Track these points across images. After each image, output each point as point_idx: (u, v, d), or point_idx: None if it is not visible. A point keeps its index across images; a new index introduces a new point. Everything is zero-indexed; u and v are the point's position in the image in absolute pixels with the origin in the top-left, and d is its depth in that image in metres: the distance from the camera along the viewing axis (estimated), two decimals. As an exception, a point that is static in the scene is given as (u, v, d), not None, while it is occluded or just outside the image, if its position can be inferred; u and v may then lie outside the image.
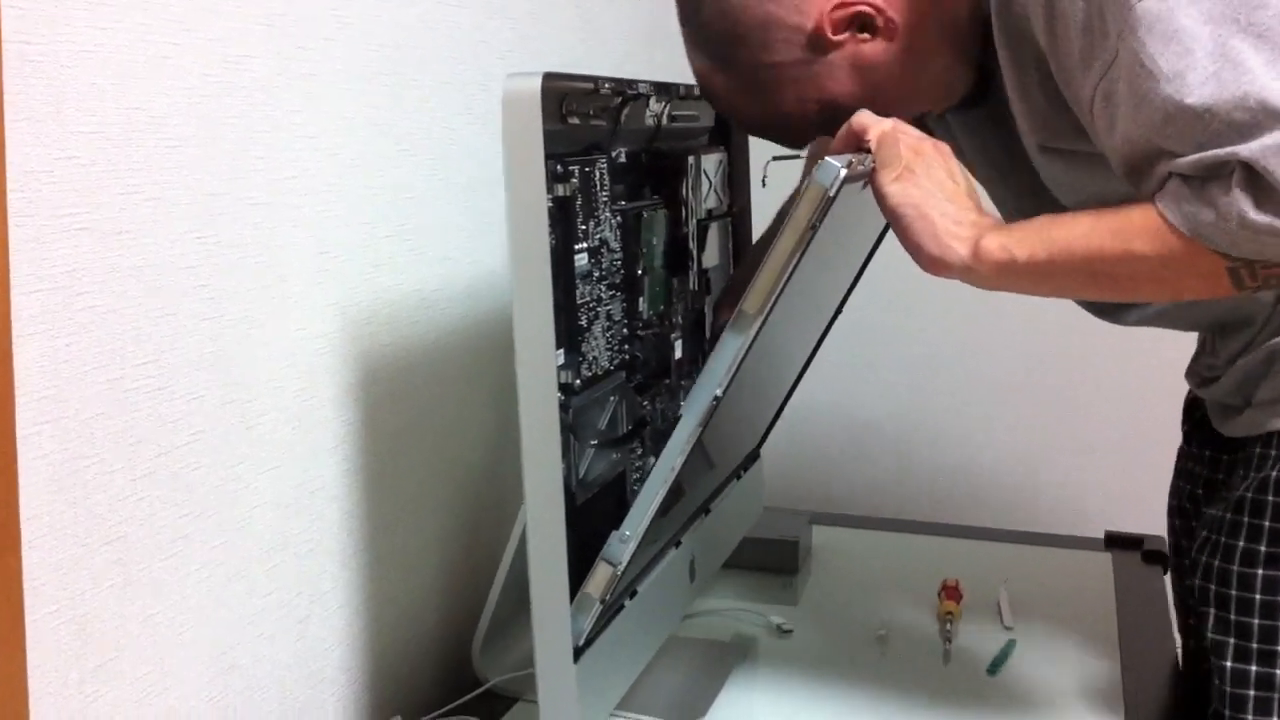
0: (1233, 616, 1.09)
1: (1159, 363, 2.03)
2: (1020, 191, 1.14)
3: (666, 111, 1.11)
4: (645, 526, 0.95)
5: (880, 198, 0.99)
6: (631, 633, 1.05)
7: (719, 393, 0.93)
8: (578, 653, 0.94)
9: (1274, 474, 1.08)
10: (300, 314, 1.08)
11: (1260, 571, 1.08)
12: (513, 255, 0.89)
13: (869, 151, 0.99)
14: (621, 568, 0.94)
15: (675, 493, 1.14)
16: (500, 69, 1.39)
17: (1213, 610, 1.11)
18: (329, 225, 1.11)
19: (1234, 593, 1.09)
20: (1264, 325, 1.13)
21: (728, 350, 0.93)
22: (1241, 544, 1.09)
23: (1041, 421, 2.26)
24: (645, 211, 1.11)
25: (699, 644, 1.35)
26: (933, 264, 0.98)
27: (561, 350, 0.93)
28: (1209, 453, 1.27)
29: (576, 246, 0.98)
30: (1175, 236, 0.90)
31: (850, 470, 2.39)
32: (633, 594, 1.05)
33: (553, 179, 0.93)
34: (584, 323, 1.00)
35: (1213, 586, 1.11)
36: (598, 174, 1.02)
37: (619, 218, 1.06)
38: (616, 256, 1.06)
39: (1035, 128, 1.04)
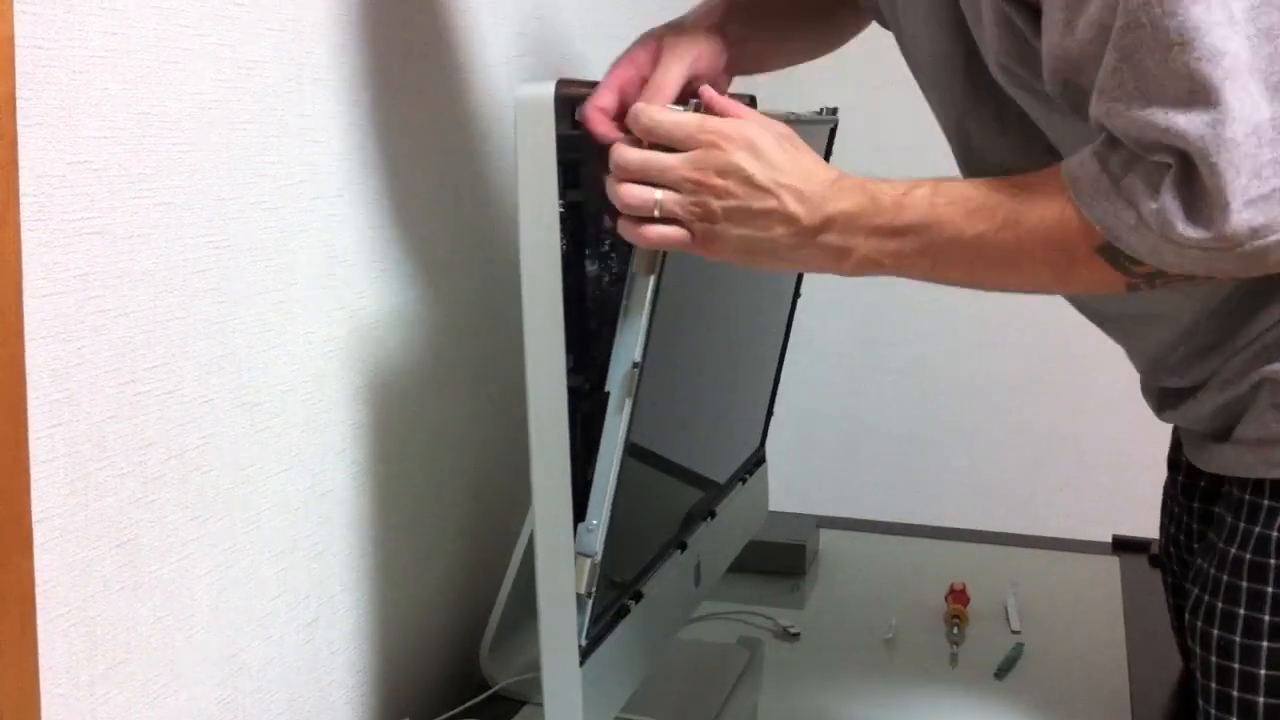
0: (1235, 693, 0.97)
1: (1166, 367, 2.03)
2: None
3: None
4: (608, 512, 0.94)
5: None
6: (637, 636, 1.05)
7: (637, 358, 0.92)
8: (583, 656, 0.94)
9: (1277, 535, 0.94)
10: (309, 318, 1.08)
11: (1265, 644, 0.95)
12: (524, 260, 0.90)
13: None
14: (598, 557, 0.94)
15: (669, 490, 1.14)
16: (508, 74, 1.40)
17: (1214, 685, 0.98)
18: (338, 229, 1.11)
19: (1237, 666, 0.96)
20: (1196, 331, 0.99)
21: (631, 316, 0.92)
22: (1243, 611, 0.96)
23: (1048, 424, 2.26)
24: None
25: (705, 647, 1.35)
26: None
27: (571, 355, 0.94)
28: (1201, 484, 1.14)
29: (587, 252, 0.98)
30: (1079, 251, 0.80)
31: (856, 473, 2.39)
32: (638, 597, 1.05)
33: (565, 185, 0.93)
34: (594, 328, 1.00)
35: (1213, 658, 0.98)
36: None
37: (628, 222, 1.06)
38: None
39: (999, 36, 0.89)
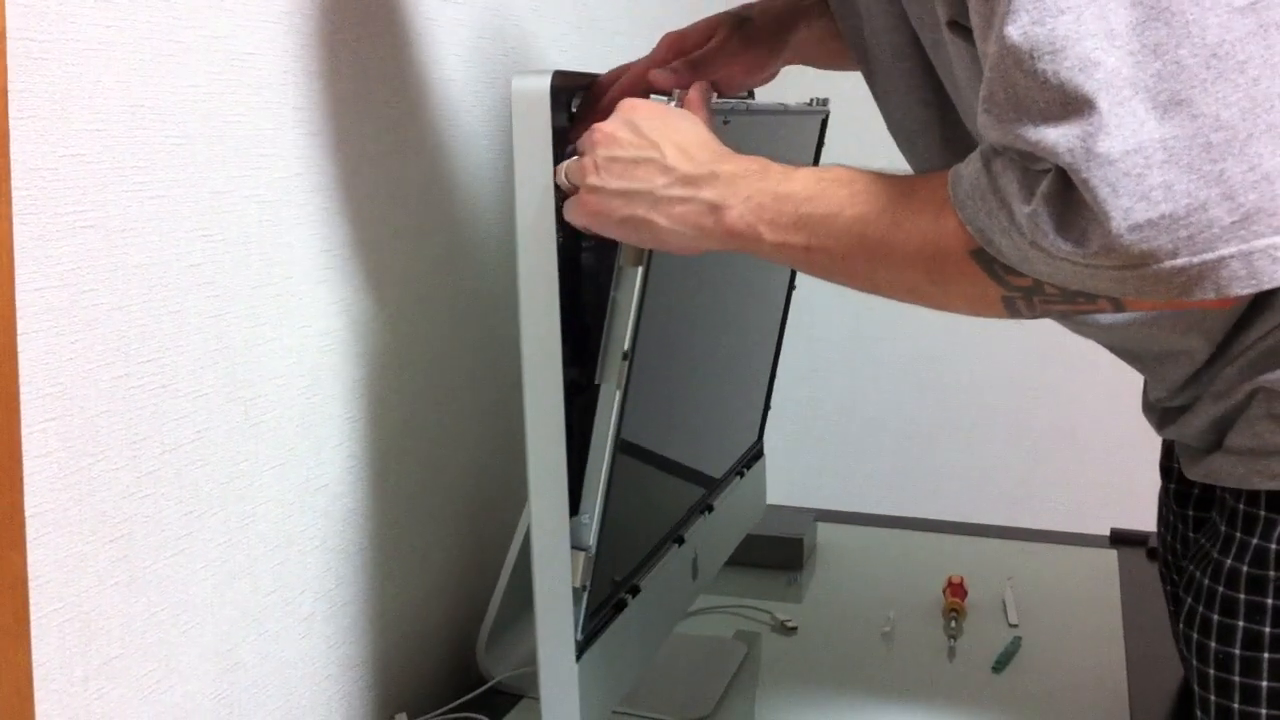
0: (1236, 706, 0.95)
1: (1164, 360, 2.02)
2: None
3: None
4: (600, 505, 0.94)
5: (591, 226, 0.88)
6: (634, 630, 1.05)
7: (626, 348, 0.92)
8: (580, 650, 0.94)
9: (1275, 547, 0.92)
10: (304, 311, 1.08)
11: (1266, 656, 0.93)
12: (520, 252, 0.90)
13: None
14: (592, 550, 0.94)
15: (665, 484, 1.14)
16: (504, 66, 1.39)
17: (1214, 698, 0.96)
18: (333, 222, 1.11)
19: (1237, 679, 0.95)
20: (1216, 359, 0.97)
21: (620, 307, 0.92)
22: (1242, 624, 0.94)
23: (1046, 417, 2.26)
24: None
25: (703, 641, 1.35)
26: (686, 252, 0.87)
27: (567, 348, 0.94)
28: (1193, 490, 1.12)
29: (583, 244, 0.98)
30: (953, 253, 0.77)
31: (854, 467, 2.39)
32: (635, 591, 1.05)
33: (560, 176, 0.93)
34: (590, 320, 1.00)
35: (1212, 671, 0.96)
36: (603, 171, 1.01)
37: (624, 215, 1.05)
38: (621, 254, 1.05)
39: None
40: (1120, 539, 1.67)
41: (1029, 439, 2.28)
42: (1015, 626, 1.41)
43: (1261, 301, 0.92)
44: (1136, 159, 0.69)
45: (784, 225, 0.82)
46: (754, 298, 1.27)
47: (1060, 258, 0.72)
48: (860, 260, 0.81)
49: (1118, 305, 0.76)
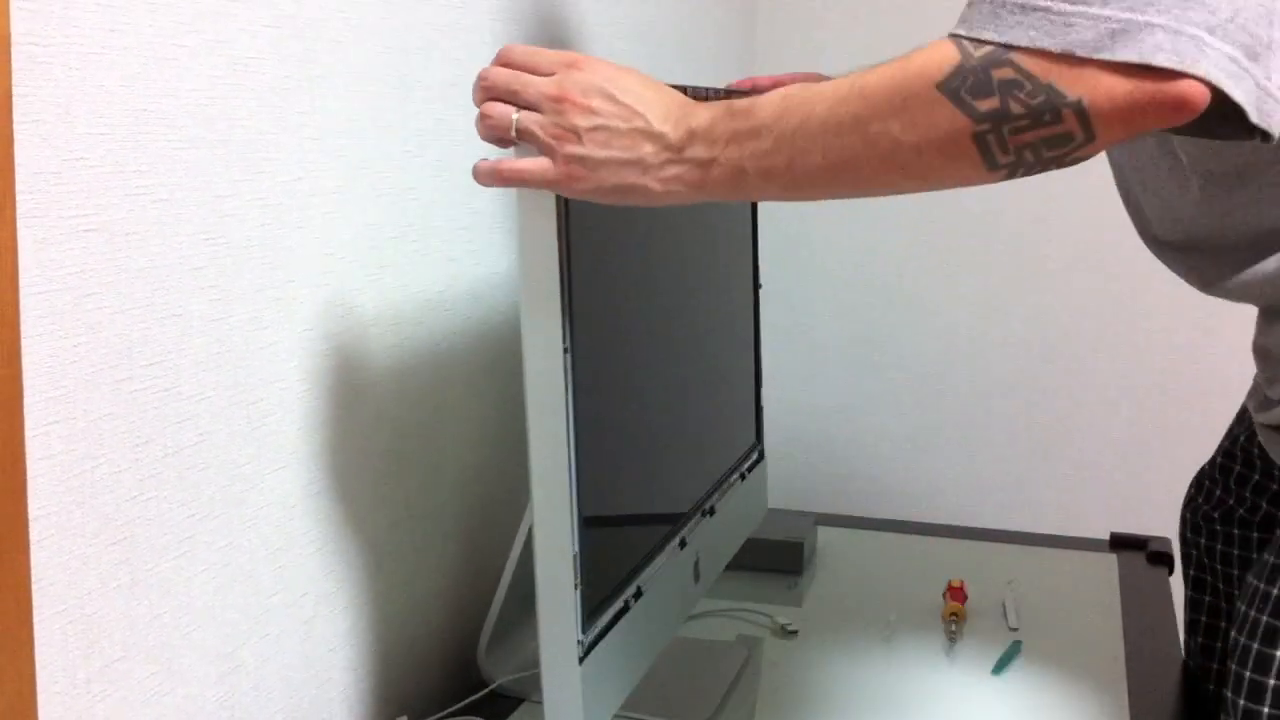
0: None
1: (1164, 363, 2.03)
2: None
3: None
4: (573, 502, 0.94)
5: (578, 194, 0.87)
6: (636, 633, 1.05)
7: (566, 344, 0.91)
8: (583, 653, 0.94)
9: None
10: (307, 315, 1.08)
11: None
12: (522, 257, 0.90)
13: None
14: (575, 549, 0.93)
15: (664, 487, 1.15)
16: (506, 70, 1.39)
17: (1267, 710, 0.96)
18: (336, 226, 1.11)
19: None
20: None
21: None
22: None
23: (1046, 421, 2.27)
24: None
25: (704, 645, 1.35)
26: (678, 204, 0.87)
27: (569, 353, 0.94)
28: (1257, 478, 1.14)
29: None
30: (921, 89, 0.77)
31: (855, 471, 2.39)
32: (638, 594, 1.05)
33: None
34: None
35: (1270, 680, 0.96)
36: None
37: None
38: (623, 258, 1.06)
39: None
40: (1120, 543, 1.67)
41: (1029, 443, 2.28)
42: (1015, 630, 1.41)
43: None
44: None
45: (766, 153, 0.82)
46: (716, 292, 1.26)
47: (1034, 8, 0.73)
48: (842, 155, 0.80)
49: (1085, 125, 0.74)
